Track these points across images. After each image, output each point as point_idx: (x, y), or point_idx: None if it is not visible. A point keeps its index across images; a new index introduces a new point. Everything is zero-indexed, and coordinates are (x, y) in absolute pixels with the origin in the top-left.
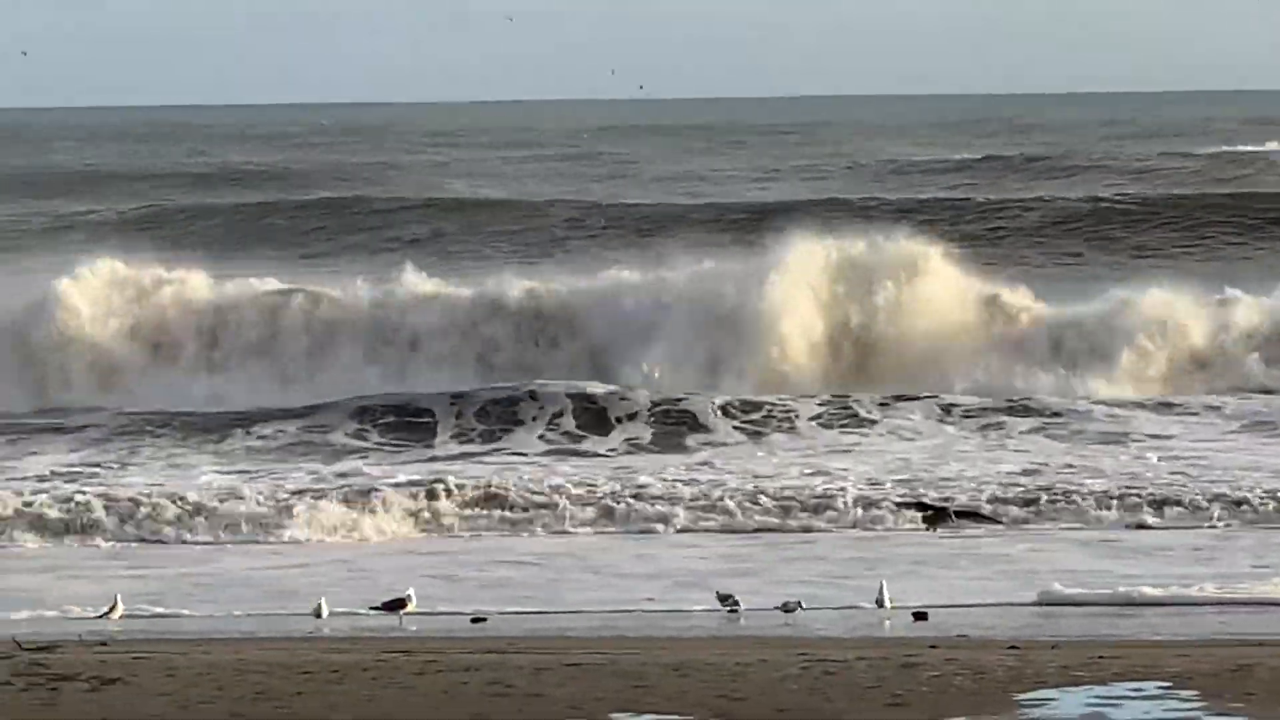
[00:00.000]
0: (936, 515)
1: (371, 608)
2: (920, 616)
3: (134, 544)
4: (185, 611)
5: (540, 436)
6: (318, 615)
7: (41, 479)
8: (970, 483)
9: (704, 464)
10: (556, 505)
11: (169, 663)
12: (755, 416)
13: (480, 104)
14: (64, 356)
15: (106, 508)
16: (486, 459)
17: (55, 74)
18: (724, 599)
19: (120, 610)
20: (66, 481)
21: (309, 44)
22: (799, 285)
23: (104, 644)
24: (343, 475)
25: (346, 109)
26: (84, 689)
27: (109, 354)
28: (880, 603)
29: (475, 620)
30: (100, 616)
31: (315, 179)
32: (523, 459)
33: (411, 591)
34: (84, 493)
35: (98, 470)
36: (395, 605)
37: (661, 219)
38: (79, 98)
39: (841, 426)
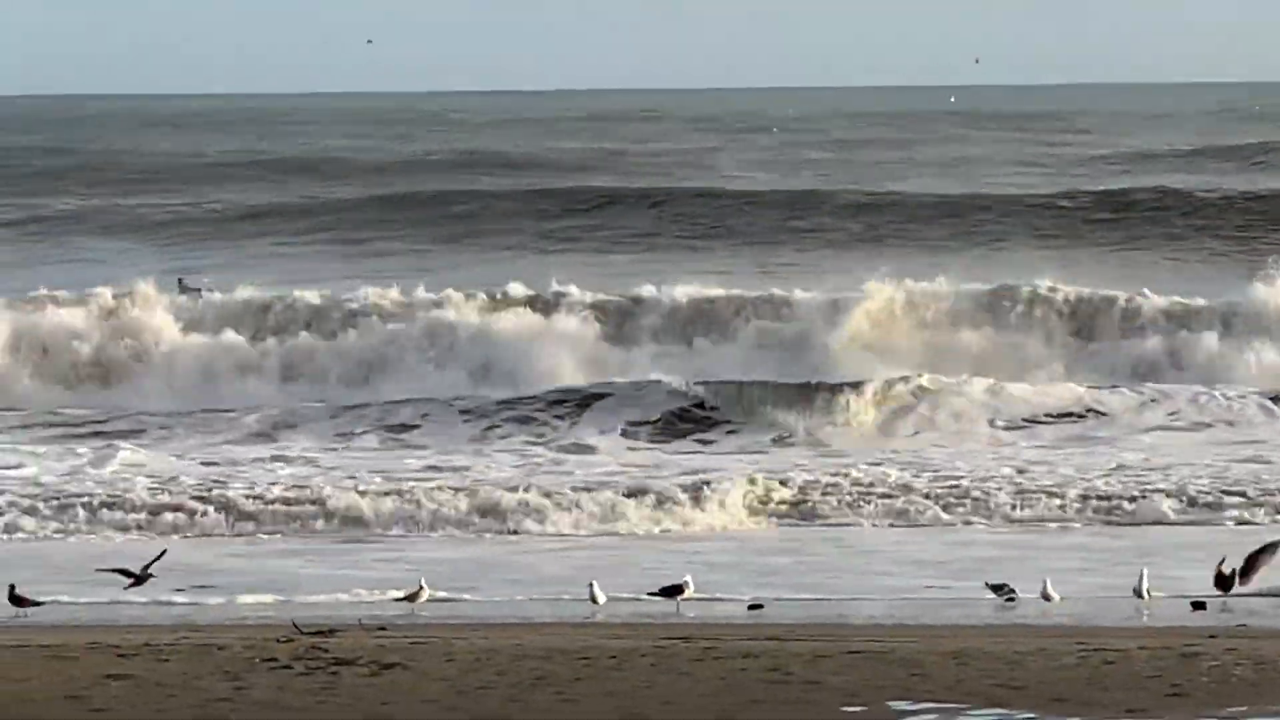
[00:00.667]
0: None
1: (649, 593)
2: (1199, 606)
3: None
4: (466, 596)
5: None
6: (593, 600)
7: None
8: None
9: None
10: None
11: (447, 648)
12: None
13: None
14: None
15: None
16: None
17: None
18: (997, 588)
19: (426, 594)
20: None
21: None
22: None
23: (382, 628)
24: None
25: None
26: (363, 673)
27: None
28: (1139, 592)
29: (752, 607)
30: (404, 599)
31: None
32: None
33: (689, 578)
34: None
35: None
36: (673, 591)
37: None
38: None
39: None
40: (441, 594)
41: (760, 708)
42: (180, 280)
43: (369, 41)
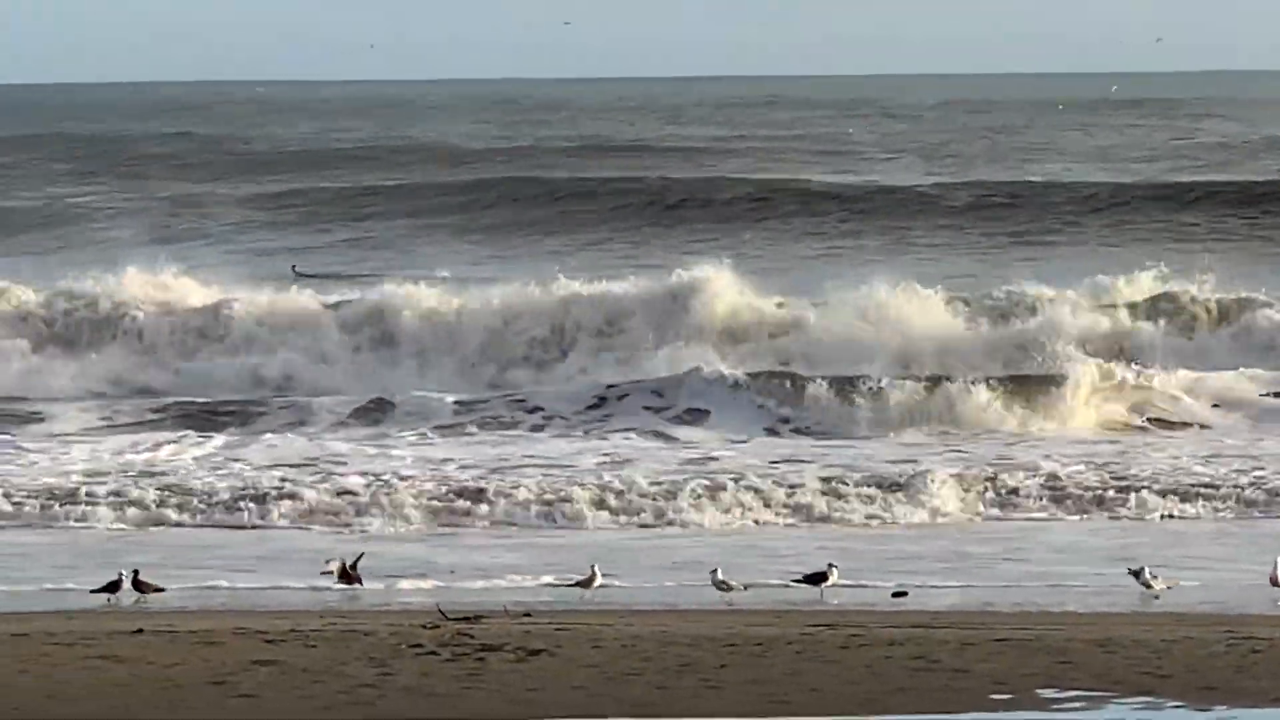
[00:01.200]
0: None
1: (794, 580)
2: None
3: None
4: (616, 583)
5: None
6: (719, 588)
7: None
8: None
9: None
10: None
11: (594, 634)
12: None
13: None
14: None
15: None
16: None
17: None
18: (1136, 574)
19: (599, 580)
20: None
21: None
22: None
23: (528, 614)
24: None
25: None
26: (509, 660)
27: None
28: (1274, 580)
29: (896, 594)
30: (575, 585)
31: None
32: None
33: (832, 564)
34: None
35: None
36: (817, 579)
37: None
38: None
39: None
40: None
41: (907, 695)
42: (294, 267)
43: (567, 23)
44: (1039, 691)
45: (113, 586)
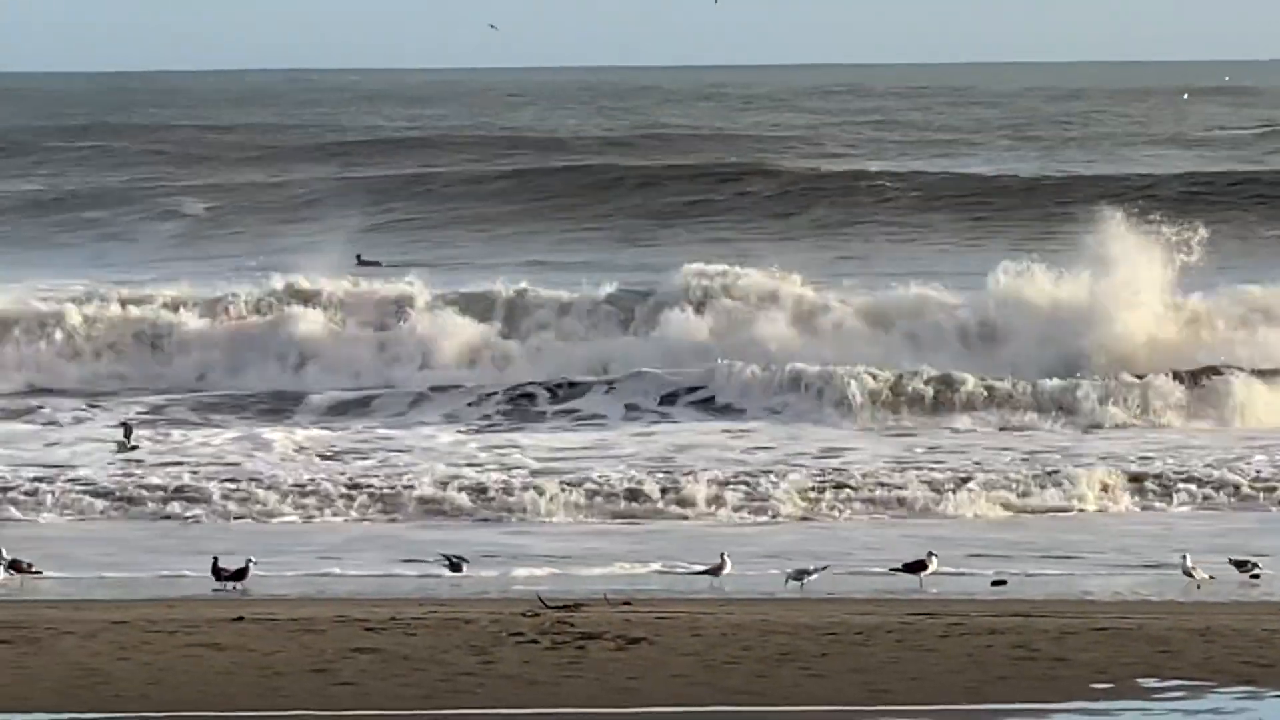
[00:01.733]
0: None
1: (893, 568)
2: None
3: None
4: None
5: None
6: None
7: None
8: None
9: None
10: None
11: (694, 622)
12: None
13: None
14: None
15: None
16: None
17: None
18: (1240, 564)
19: (729, 568)
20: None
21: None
22: None
23: (627, 603)
24: None
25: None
26: (609, 648)
27: None
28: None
29: (996, 583)
30: (704, 573)
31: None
32: None
33: (932, 553)
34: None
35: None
36: (916, 567)
37: None
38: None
39: None
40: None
41: (1008, 684)
42: (359, 256)
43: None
44: (1139, 680)
45: (239, 574)
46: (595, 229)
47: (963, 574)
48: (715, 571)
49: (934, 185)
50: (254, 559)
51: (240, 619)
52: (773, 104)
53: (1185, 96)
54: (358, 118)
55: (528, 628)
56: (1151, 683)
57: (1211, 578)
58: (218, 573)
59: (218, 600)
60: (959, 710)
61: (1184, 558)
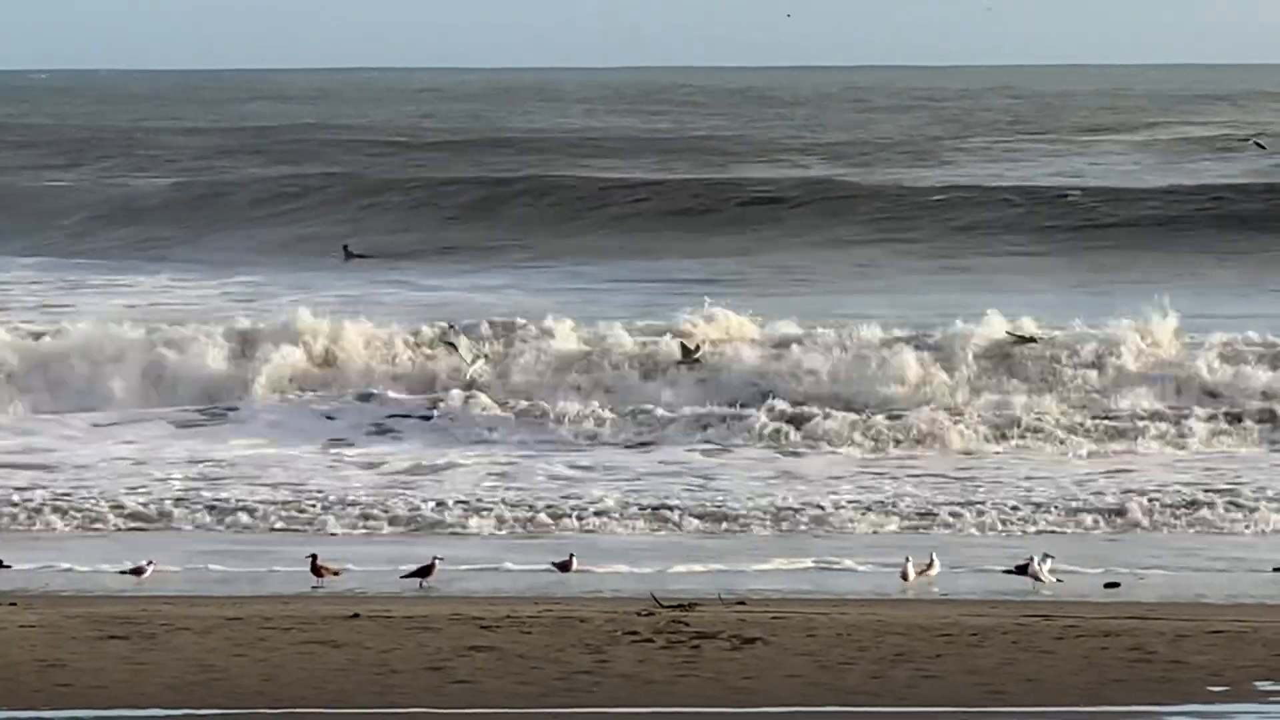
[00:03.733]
0: None
1: (1004, 570)
2: None
3: None
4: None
5: None
6: (904, 577)
7: None
8: None
9: None
10: None
11: (808, 622)
12: None
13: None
14: None
15: None
16: None
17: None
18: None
19: (937, 568)
20: None
21: None
22: None
23: (742, 603)
24: None
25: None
26: (724, 648)
27: None
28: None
29: (1109, 585)
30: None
31: None
32: None
33: (1048, 555)
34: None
35: None
36: (1022, 569)
37: None
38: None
39: None
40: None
41: (1124, 687)
42: (345, 246)
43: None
44: (1256, 684)
45: (425, 571)
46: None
47: (1074, 572)
48: (564, 567)
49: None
50: (440, 556)
51: (355, 616)
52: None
53: None
54: None
55: (643, 627)
56: (1268, 686)
57: (1058, 580)
58: (317, 570)
59: (332, 597)
60: (1075, 712)
61: (1031, 560)
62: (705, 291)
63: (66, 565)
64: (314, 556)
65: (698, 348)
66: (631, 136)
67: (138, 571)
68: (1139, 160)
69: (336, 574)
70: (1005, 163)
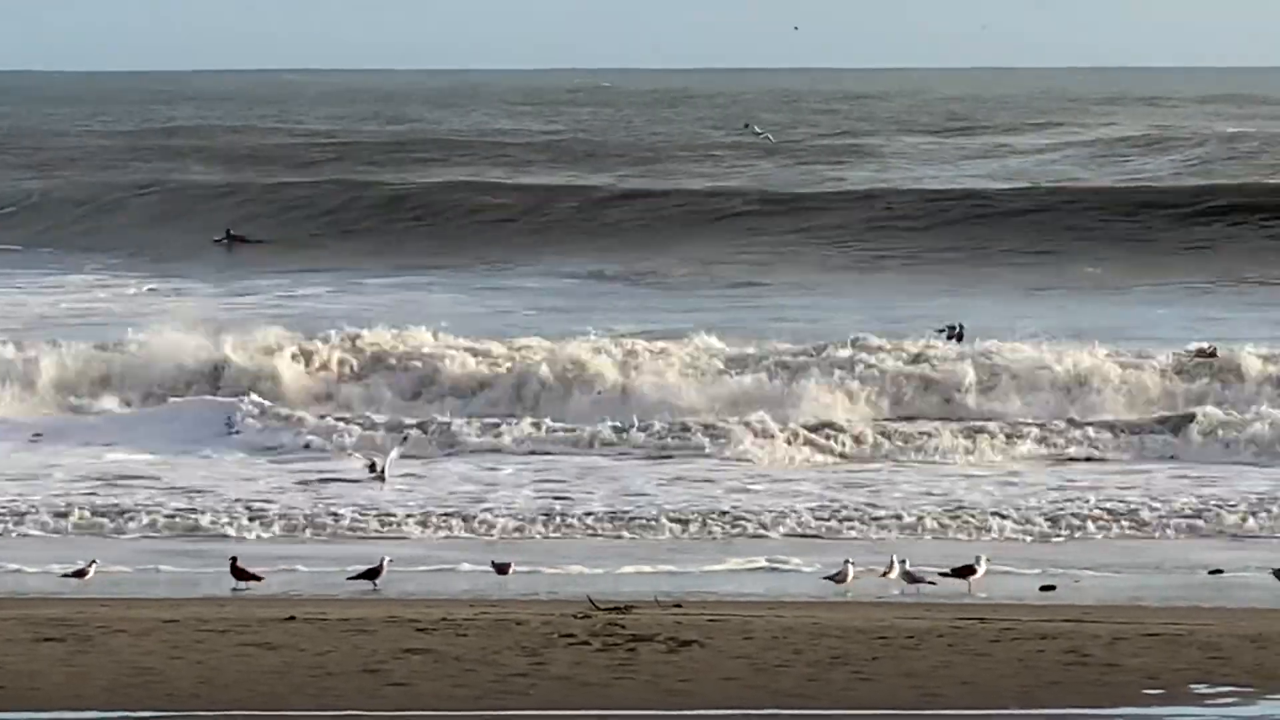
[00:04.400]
0: None
1: (941, 573)
2: None
3: None
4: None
5: None
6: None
7: None
8: None
9: None
10: None
11: (745, 625)
12: None
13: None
14: None
15: None
16: None
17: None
18: (1279, 572)
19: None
20: None
21: None
22: None
23: (678, 605)
24: None
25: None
26: (660, 650)
27: None
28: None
29: (1044, 588)
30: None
31: None
32: None
33: (982, 556)
34: None
35: None
36: (965, 571)
37: None
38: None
39: None
40: None
41: (1059, 690)
42: (228, 231)
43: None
44: (1191, 686)
45: (373, 572)
46: None
47: (1009, 573)
48: (373, 575)
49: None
50: (389, 557)
51: (291, 619)
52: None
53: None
54: None
55: (579, 629)
56: (1203, 688)
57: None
58: (237, 573)
59: (269, 600)
60: (1011, 715)
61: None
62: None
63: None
64: (234, 560)
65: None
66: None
67: (80, 574)
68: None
69: (259, 579)
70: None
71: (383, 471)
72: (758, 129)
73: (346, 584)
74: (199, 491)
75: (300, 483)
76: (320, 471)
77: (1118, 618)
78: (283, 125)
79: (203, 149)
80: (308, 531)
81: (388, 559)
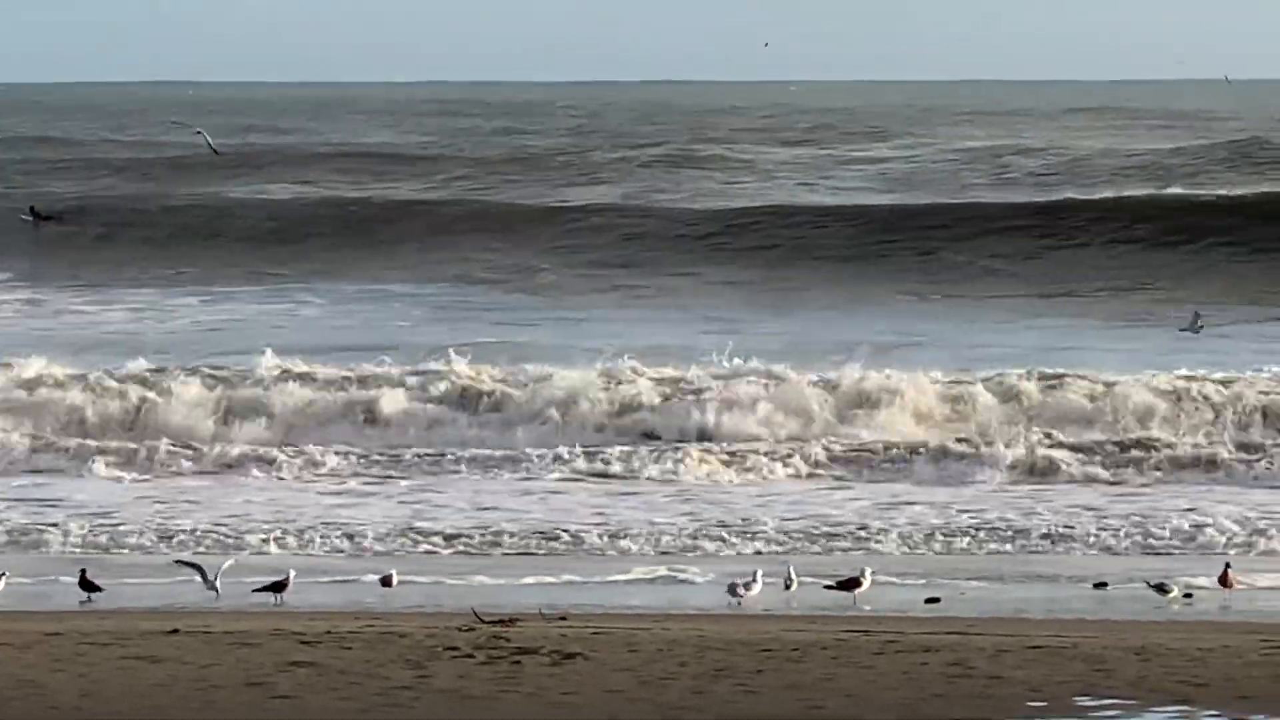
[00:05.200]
0: None
1: (826, 585)
2: None
3: None
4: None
5: None
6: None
7: None
8: None
9: None
10: None
11: (629, 638)
12: None
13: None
14: None
15: None
16: None
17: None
18: (1158, 587)
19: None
20: None
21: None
22: None
23: (563, 618)
24: None
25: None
26: (545, 663)
27: None
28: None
29: (929, 600)
30: (838, 587)
31: None
32: None
33: (866, 569)
34: None
35: None
36: (850, 584)
37: None
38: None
39: None
40: None
41: (943, 702)
42: (31, 208)
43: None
44: (1075, 699)
45: (279, 586)
46: None
47: (894, 583)
48: (279, 588)
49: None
50: (294, 571)
51: (175, 632)
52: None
53: None
54: None
55: (463, 642)
56: (1086, 701)
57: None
58: (86, 585)
59: (153, 613)
60: None
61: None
62: None
63: None
64: (84, 571)
65: None
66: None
67: None
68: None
69: (101, 590)
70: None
71: (214, 583)
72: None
73: (223, 595)
74: None
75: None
76: None
77: (1002, 630)
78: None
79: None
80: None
81: (293, 573)
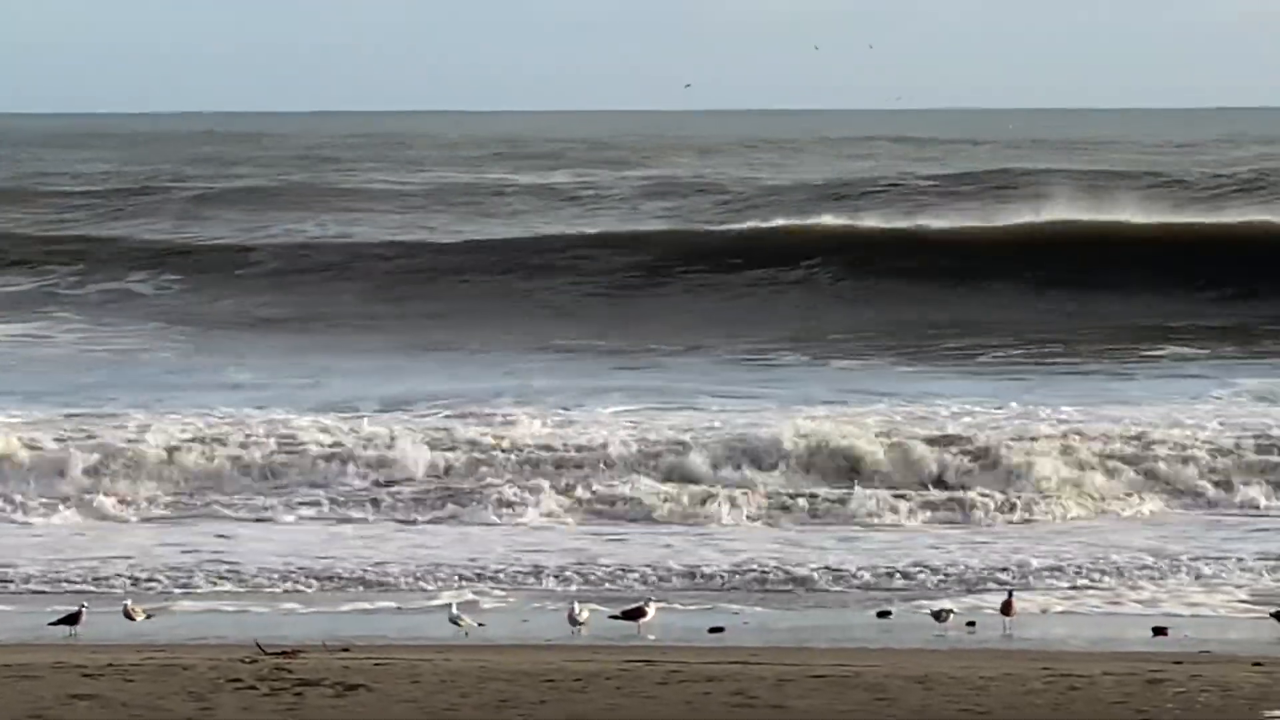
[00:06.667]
0: None
1: (611, 616)
2: (1160, 631)
3: None
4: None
5: None
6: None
7: None
8: None
9: None
10: None
11: (412, 669)
12: None
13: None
14: None
15: None
16: None
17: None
18: (936, 614)
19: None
20: None
21: None
22: None
23: (346, 649)
24: None
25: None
26: (328, 694)
27: None
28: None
29: (713, 630)
30: (623, 617)
31: None
32: None
33: (651, 599)
34: None
35: None
36: (635, 614)
37: None
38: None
39: None
40: None
41: None
42: None
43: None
44: None
45: (72, 618)
46: None
47: (676, 609)
48: (72, 620)
49: None
50: (86, 604)
51: None
52: None
53: None
54: None
55: (246, 674)
56: None
57: (481, 625)
58: None
59: None
60: None
61: (451, 606)
62: None
63: None
64: None
65: None
66: None
67: None
68: None
69: None
70: None
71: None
72: None
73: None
74: None
75: None
76: None
77: (785, 659)
78: None
79: None
80: None
81: (86, 605)
